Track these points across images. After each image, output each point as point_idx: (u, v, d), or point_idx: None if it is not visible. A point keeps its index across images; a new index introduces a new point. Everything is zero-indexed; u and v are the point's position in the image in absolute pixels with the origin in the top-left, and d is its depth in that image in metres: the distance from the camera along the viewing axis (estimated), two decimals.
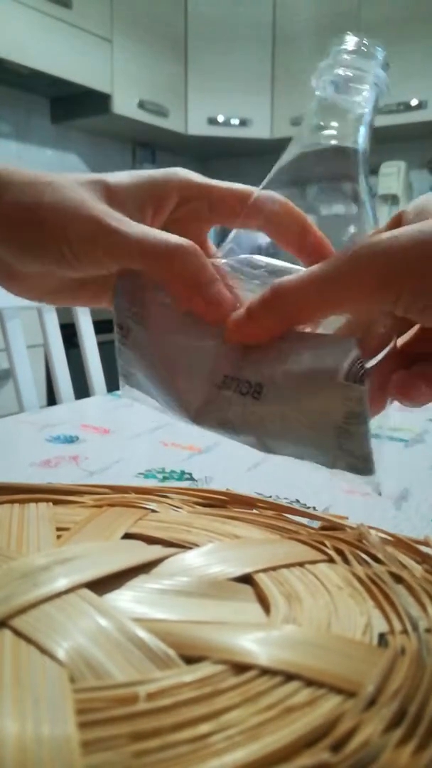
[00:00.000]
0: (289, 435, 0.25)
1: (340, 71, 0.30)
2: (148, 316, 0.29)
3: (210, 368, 0.27)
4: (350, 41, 0.30)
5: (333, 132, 0.31)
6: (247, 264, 0.29)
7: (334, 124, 0.31)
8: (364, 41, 0.30)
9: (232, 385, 0.26)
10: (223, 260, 0.30)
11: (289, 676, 0.17)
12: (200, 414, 0.27)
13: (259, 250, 0.31)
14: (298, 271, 0.26)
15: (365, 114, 0.31)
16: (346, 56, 0.30)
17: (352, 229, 0.30)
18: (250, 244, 0.31)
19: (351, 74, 0.30)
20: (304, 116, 0.31)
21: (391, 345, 0.27)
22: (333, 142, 0.31)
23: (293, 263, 0.30)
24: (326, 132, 0.31)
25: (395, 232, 0.23)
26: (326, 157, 0.31)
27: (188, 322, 0.27)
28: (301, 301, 0.24)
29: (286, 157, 0.31)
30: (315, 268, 0.24)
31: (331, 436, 0.24)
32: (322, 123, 0.31)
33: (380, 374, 0.26)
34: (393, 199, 2.68)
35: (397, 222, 0.27)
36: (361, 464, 0.24)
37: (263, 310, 0.25)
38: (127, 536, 0.27)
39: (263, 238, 0.31)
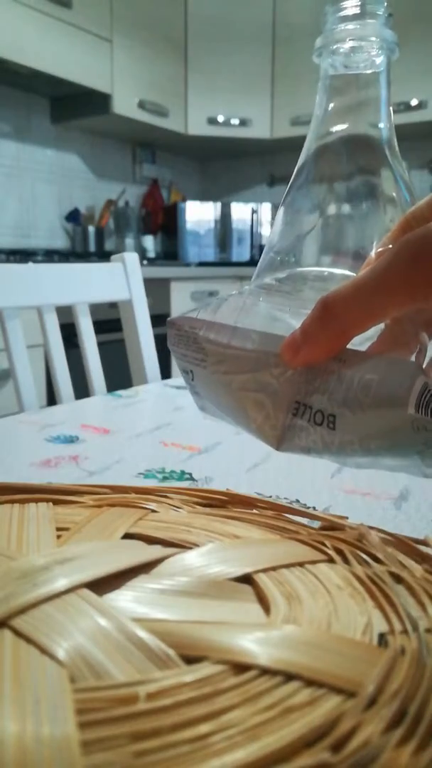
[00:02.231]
0: (374, 459, 0.25)
1: (345, 45, 0.28)
2: (206, 358, 0.28)
3: (279, 397, 0.26)
4: (347, 5, 0.28)
5: (350, 114, 0.28)
6: (296, 279, 0.28)
7: (349, 104, 0.28)
8: (362, 1, 0.27)
9: (305, 413, 0.25)
10: (273, 279, 0.29)
11: (289, 676, 0.17)
12: (282, 443, 0.27)
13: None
14: (346, 276, 0.25)
15: (381, 86, 0.28)
16: (347, 24, 0.28)
17: (388, 218, 0.28)
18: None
19: (356, 44, 0.28)
20: (316, 101, 0.29)
21: None
22: (352, 126, 0.28)
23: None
24: (343, 116, 0.28)
25: None
26: (349, 145, 0.29)
27: (246, 356, 0.27)
28: (353, 311, 0.23)
29: (305, 152, 0.29)
30: (361, 275, 0.23)
31: (414, 458, 0.23)
32: (335, 106, 0.28)
33: None
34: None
35: None
36: None
37: (317, 328, 0.24)
38: (127, 536, 0.27)
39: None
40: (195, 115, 2.93)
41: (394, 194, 0.29)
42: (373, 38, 0.28)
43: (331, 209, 0.29)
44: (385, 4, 0.28)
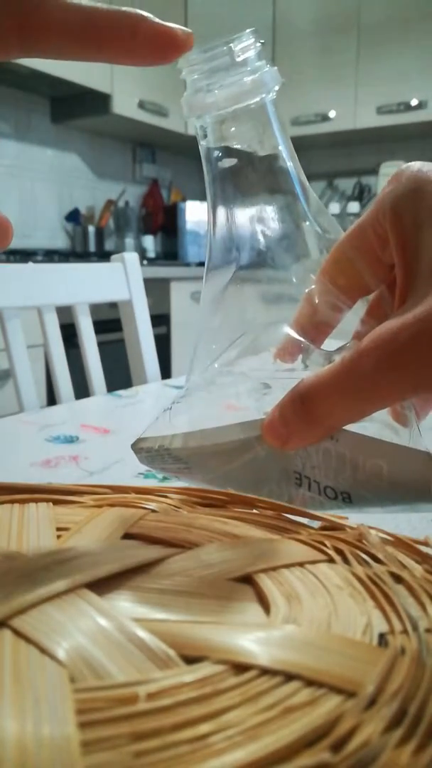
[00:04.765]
0: (397, 510, 0.26)
1: (226, 89, 0.26)
2: (189, 465, 0.28)
3: (278, 474, 0.26)
4: (214, 51, 0.26)
5: (242, 146, 0.28)
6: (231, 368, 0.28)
7: (238, 138, 0.27)
8: (229, 43, 0.26)
9: (312, 487, 0.25)
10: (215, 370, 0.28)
11: (289, 676, 0.17)
12: (298, 504, 0.27)
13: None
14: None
15: (269, 114, 0.27)
16: (225, 62, 0.26)
17: (294, 246, 0.28)
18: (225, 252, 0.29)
19: (236, 82, 0.26)
20: (203, 142, 0.28)
21: None
22: (245, 154, 0.27)
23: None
24: (235, 148, 0.28)
25: (407, 319, 0.21)
26: (246, 174, 0.28)
27: (228, 449, 0.27)
28: (336, 409, 0.23)
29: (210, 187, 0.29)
30: (338, 369, 0.22)
31: None
32: (226, 141, 0.28)
33: None
34: None
35: (374, 217, 0.25)
36: None
37: (300, 424, 0.23)
38: (127, 536, 0.27)
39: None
40: None
41: (296, 222, 0.28)
42: (256, 75, 0.26)
43: (241, 229, 0.29)
44: (250, 35, 0.26)
